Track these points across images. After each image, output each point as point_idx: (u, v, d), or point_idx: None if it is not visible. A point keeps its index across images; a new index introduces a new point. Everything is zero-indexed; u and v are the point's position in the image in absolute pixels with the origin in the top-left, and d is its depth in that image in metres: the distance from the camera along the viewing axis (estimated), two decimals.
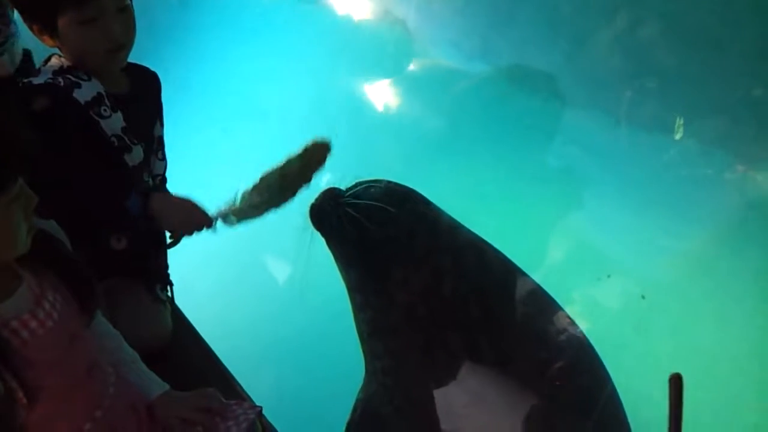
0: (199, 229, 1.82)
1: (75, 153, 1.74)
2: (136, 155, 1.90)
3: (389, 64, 3.51)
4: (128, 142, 1.88)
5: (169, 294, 2.14)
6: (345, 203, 2.05)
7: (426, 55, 3.53)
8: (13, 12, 2.42)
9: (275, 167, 1.81)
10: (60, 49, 1.83)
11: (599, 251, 2.91)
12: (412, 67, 3.50)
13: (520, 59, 3.62)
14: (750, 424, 2.44)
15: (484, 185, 3.10)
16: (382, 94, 3.50)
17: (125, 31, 1.80)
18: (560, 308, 2.09)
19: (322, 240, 2.11)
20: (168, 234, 1.98)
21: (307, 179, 1.83)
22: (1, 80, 2.30)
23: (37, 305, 1.26)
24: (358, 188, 2.09)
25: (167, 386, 1.53)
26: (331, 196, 2.07)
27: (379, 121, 3.37)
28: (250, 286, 3.06)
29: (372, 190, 2.09)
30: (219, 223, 1.82)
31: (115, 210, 1.77)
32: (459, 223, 2.13)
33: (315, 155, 1.81)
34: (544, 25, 3.61)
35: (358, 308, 2.15)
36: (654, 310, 2.65)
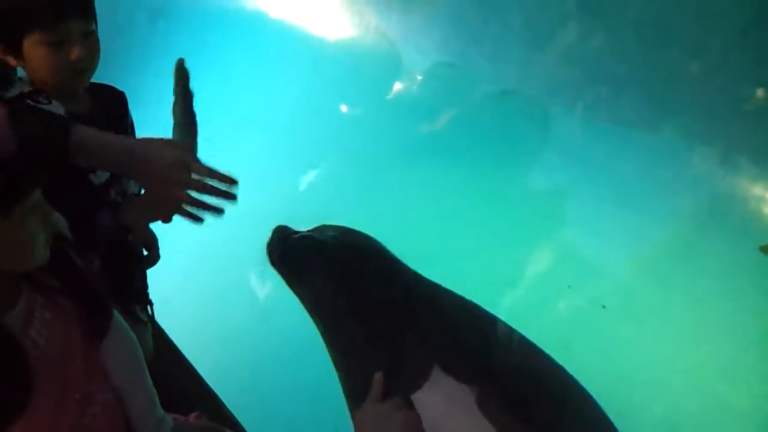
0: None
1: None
2: (101, 174, 1.86)
3: (373, 77, 3.52)
4: None
5: (150, 313, 2.11)
6: (294, 237, 2.06)
7: (404, 66, 3.54)
8: None
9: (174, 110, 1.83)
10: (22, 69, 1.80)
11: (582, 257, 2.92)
12: (395, 81, 3.51)
13: (492, 64, 3.63)
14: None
15: (466, 193, 3.10)
16: (366, 105, 3.50)
17: (90, 56, 1.79)
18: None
19: None
20: (144, 253, 1.96)
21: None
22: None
23: (28, 323, 1.24)
24: (315, 229, 2.11)
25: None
26: (281, 232, 2.08)
27: (363, 133, 3.36)
28: (232, 303, 3.03)
29: (329, 231, 2.09)
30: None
31: (85, 229, 1.72)
32: (418, 279, 2.12)
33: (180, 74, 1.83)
34: (514, 29, 3.63)
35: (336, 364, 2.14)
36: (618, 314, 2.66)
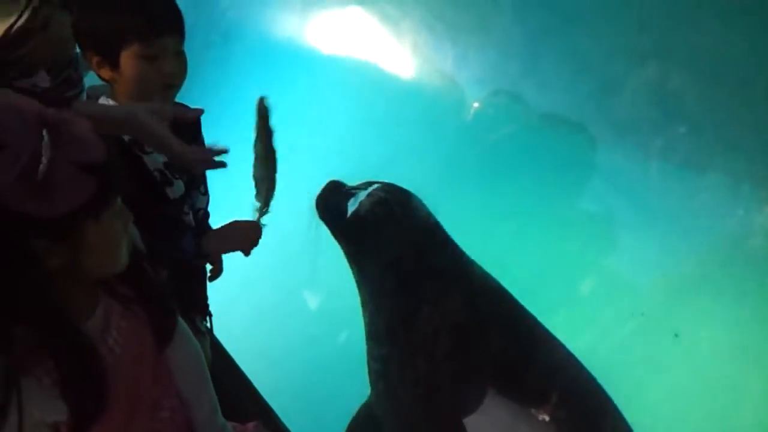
0: (258, 238, 1.95)
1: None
2: (177, 189, 1.97)
3: (426, 106, 3.58)
4: (170, 176, 1.96)
5: (208, 325, 2.19)
6: (348, 191, 2.16)
7: (453, 95, 3.59)
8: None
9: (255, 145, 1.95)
10: (112, 84, 1.91)
11: (632, 289, 2.92)
12: (449, 110, 3.56)
13: (548, 101, 3.66)
14: None
15: (515, 224, 3.12)
16: (415, 132, 3.55)
17: (180, 73, 1.90)
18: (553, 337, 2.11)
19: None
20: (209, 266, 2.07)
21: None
22: None
23: (106, 331, 1.30)
24: (361, 184, 2.19)
25: None
26: (334, 186, 2.18)
27: (408, 158, 3.41)
28: (285, 316, 3.09)
29: (375, 186, 2.18)
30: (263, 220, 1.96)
31: (168, 249, 1.86)
32: (455, 243, 2.18)
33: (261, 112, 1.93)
34: (571, 69, 3.66)
35: (362, 306, 2.22)
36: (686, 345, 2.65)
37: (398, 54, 3.87)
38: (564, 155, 3.42)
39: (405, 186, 2.25)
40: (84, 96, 2.45)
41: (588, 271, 3.00)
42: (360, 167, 3.46)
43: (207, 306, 2.18)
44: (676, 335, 2.63)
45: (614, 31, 3.38)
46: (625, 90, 3.42)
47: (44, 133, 1.13)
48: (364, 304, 2.18)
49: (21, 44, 1.94)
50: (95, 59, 1.86)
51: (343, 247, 2.18)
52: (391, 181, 2.21)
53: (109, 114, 1.71)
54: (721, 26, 3.14)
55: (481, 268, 2.15)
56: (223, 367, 2.19)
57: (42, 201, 1.12)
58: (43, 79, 2.15)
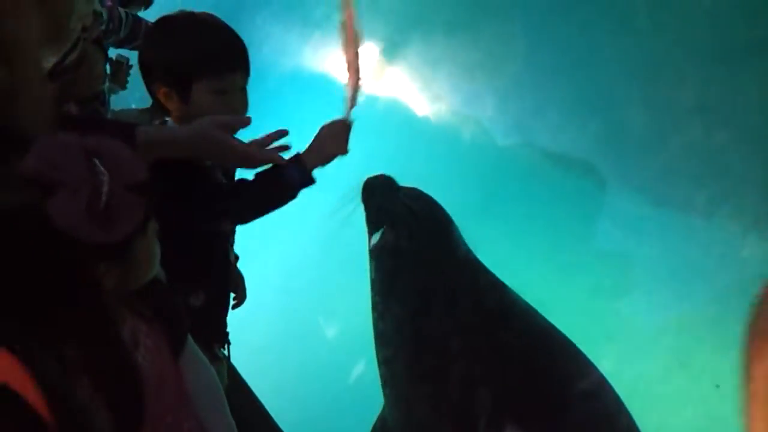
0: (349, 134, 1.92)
1: (191, 204, 1.88)
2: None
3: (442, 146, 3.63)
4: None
5: (226, 352, 2.21)
6: (402, 191, 2.19)
7: (466, 133, 3.64)
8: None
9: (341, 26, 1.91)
10: (172, 113, 1.95)
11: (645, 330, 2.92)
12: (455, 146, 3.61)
13: (555, 139, 3.70)
14: None
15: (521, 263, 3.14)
16: (425, 169, 3.59)
17: (244, 108, 1.96)
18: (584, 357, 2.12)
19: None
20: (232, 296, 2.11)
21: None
22: None
23: (136, 349, 1.32)
24: (410, 191, 2.23)
25: None
26: (390, 180, 2.22)
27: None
28: (300, 343, 3.10)
29: (424, 196, 2.22)
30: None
31: (211, 265, 1.94)
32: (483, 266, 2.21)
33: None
34: (578, 109, 3.71)
35: (372, 307, 2.23)
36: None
37: (411, 91, 3.92)
38: (574, 197, 3.45)
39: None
40: None
41: (600, 313, 3.01)
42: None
43: (227, 333, 2.21)
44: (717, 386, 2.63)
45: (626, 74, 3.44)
46: (640, 135, 3.48)
47: (95, 161, 1.18)
48: (374, 305, 2.21)
49: (55, 80, 2.01)
50: (163, 90, 1.90)
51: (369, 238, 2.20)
52: None
53: (179, 136, 1.75)
54: (728, 74, 3.21)
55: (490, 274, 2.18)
56: (240, 396, 2.20)
57: (106, 230, 1.16)
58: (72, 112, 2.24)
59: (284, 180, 1.87)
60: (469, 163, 3.65)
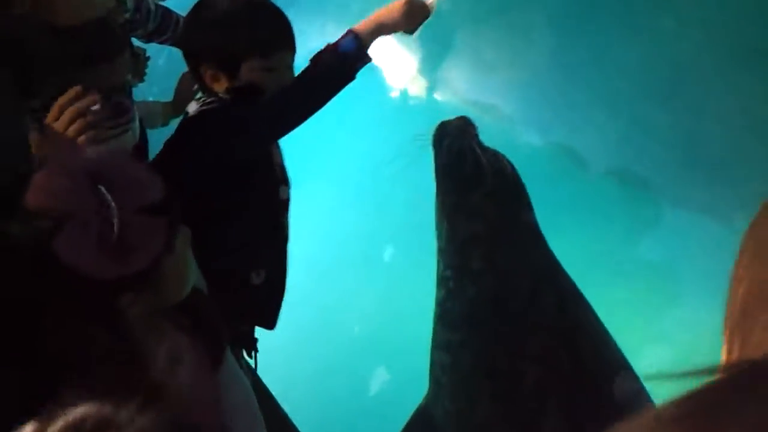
0: (426, 17, 1.89)
1: (250, 181, 1.89)
2: (285, 191, 2.04)
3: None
4: (285, 175, 2.03)
5: (253, 361, 2.15)
6: (477, 140, 2.06)
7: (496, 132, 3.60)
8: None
9: None
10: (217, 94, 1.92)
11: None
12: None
13: (578, 138, 3.66)
14: None
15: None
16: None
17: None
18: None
19: None
20: None
21: None
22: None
23: (174, 365, 1.24)
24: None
25: None
26: (468, 124, 2.08)
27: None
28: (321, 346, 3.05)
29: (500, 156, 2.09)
30: None
31: (274, 237, 1.91)
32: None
33: None
34: (601, 107, 3.67)
35: (438, 282, 2.11)
36: None
37: (431, 86, 3.86)
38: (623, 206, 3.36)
39: None
40: (136, 123, 2.46)
41: (648, 321, 2.97)
42: (399, 202, 3.49)
43: (255, 341, 2.15)
44: None
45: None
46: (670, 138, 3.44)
47: (101, 189, 1.08)
48: (442, 280, 2.09)
49: None
50: (210, 72, 1.90)
51: (441, 193, 2.09)
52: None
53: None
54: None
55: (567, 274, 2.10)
56: (263, 403, 2.14)
57: (123, 262, 1.08)
58: None
59: (332, 55, 1.83)
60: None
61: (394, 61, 3.78)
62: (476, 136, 2.08)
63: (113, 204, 1.06)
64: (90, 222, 1.06)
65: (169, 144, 1.94)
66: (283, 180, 2.01)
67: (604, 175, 3.54)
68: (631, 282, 3.17)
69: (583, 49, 3.56)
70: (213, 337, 1.38)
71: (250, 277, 1.95)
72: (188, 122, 1.90)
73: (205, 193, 1.82)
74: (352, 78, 1.85)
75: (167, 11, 2.68)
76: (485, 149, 2.07)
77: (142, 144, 2.59)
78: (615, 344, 2.07)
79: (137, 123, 2.46)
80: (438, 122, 2.12)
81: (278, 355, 2.76)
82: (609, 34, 3.50)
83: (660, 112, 3.43)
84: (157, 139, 2.61)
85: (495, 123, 3.58)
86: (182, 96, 2.72)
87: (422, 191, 3.52)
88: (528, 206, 2.07)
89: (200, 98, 1.95)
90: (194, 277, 1.25)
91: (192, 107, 1.93)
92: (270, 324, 2.12)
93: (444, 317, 2.09)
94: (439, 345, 2.11)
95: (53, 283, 1.06)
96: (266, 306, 2.08)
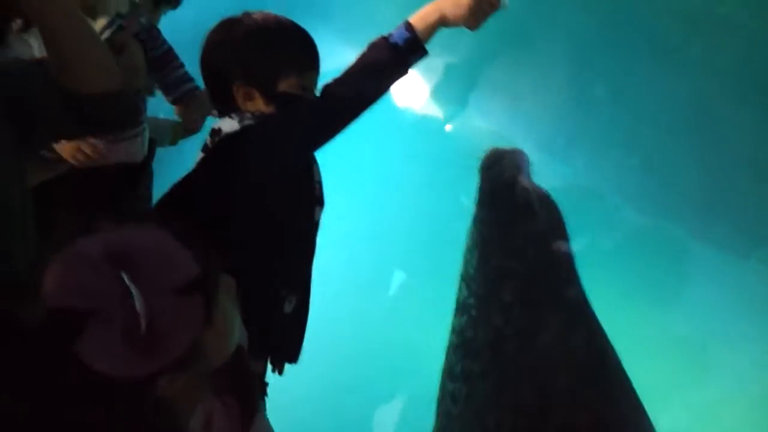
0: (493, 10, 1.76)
1: (293, 199, 1.80)
2: (319, 213, 1.91)
3: None
4: (322, 194, 1.91)
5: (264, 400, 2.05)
6: (530, 177, 1.97)
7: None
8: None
9: None
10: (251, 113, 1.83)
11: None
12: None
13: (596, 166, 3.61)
14: None
15: None
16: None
17: None
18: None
19: None
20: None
21: None
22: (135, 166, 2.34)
23: (207, 429, 1.16)
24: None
25: None
26: (523, 158, 1.98)
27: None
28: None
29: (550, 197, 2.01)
30: None
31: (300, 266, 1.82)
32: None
33: None
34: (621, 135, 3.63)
35: (459, 308, 2.01)
36: None
37: (445, 113, 3.80)
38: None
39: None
40: (146, 131, 2.38)
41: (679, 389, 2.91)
42: (411, 223, 3.42)
43: (266, 385, 1.96)
44: None
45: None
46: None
47: (123, 275, 0.95)
48: (464, 307, 1.98)
49: None
50: (243, 91, 1.82)
51: (479, 221, 1.99)
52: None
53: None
54: None
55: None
56: None
57: (155, 355, 0.96)
58: None
59: (381, 47, 1.72)
60: None
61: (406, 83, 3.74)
62: (529, 172, 2.00)
63: (139, 292, 0.94)
64: (114, 317, 0.94)
65: (206, 166, 1.79)
66: (319, 200, 1.90)
67: (622, 208, 3.48)
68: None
69: (603, 82, 3.51)
70: (248, 392, 1.28)
71: (283, 305, 1.83)
72: (231, 139, 1.75)
73: (246, 215, 1.71)
74: (404, 71, 1.74)
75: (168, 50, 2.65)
76: (536, 187, 1.98)
77: (149, 159, 2.53)
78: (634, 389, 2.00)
79: (147, 133, 2.40)
80: (491, 149, 2.02)
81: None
82: (631, 69, 3.43)
83: (681, 148, 3.38)
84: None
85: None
86: (195, 117, 2.67)
87: (435, 215, 3.53)
88: (568, 243, 1.99)
89: (233, 117, 1.81)
90: (238, 335, 1.12)
91: (227, 125, 1.79)
92: (294, 357, 1.97)
93: (463, 345, 1.99)
94: (453, 374, 2.01)
95: (77, 387, 0.95)
96: (293, 337, 1.94)
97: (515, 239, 1.94)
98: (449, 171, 3.58)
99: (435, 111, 3.80)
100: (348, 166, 3.50)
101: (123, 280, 0.94)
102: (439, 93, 3.79)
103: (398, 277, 3.48)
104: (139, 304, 0.93)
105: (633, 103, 3.51)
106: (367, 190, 3.64)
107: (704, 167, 3.43)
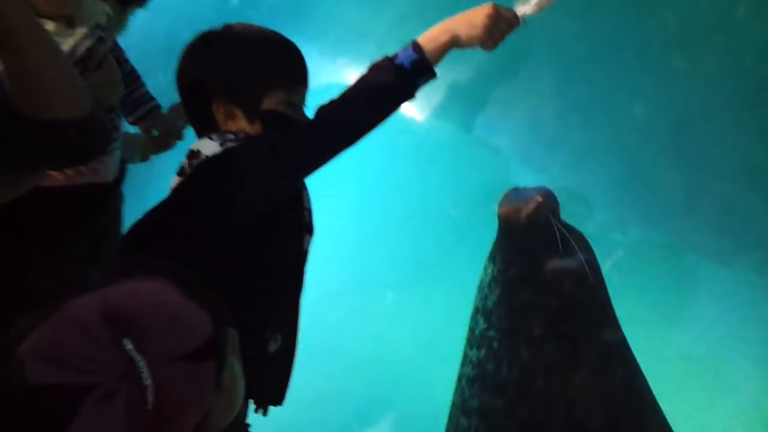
0: (508, 31, 1.61)
1: (280, 227, 1.64)
2: (308, 241, 1.76)
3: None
4: (311, 221, 1.76)
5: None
6: (559, 219, 1.94)
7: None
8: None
9: None
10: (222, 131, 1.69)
11: None
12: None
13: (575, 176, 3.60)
14: None
15: None
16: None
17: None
18: None
19: None
20: None
21: None
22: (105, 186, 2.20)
23: None
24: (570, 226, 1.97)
25: None
26: (551, 199, 1.94)
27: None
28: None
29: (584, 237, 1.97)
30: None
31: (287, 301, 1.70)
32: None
33: None
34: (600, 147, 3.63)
35: (475, 341, 1.94)
36: None
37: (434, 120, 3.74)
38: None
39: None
40: (118, 149, 2.25)
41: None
42: (406, 237, 3.31)
43: (247, 426, 1.81)
44: None
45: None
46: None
47: (126, 342, 0.80)
48: (482, 339, 1.92)
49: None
50: (224, 109, 1.67)
51: (502, 261, 1.95)
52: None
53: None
54: None
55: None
56: None
57: (168, 427, 0.81)
58: None
59: (385, 68, 1.54)
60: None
61: None
62: (558, 212, 1.94)
63: (142, 360, 0.80)
64: (115, 393, 0.79)
65: (184, 192, 1.62)
66: (308, 228, 1.74)
67: (606, 217, 3.44)
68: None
69: (587, 90, 3.47)
70: None
71: (267, 345, 1.66)
72: (212, 163, 1.58)
73: (227, 247, 1.55)
74: (409, 95, 1.56)
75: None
76: (568, 227, 1.91)
77: (120, 179, 2.38)
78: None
79: (119, 152, 2.26)
80: (509, 188, 1.96)
81: None
82: (616, 77, 3.40)
83: (664, 157, 3.37)
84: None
85: (493, 160, 3.48)
86: (167, 133, 2.52)
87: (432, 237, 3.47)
88: (603, 281, 1.95)
89: (214, 138, 1.64)
90: (242, 392, 0.98)
91: (207, 147, 1.62)
92: (279, 399, 1.81)
93: (482, 379, 1.91)
94: (469, 409, 1.93)
95: None
96: (278, 378, 1.78)
97: (551, 275, 1.88)
98: (429, 174, 3.51)
99: (417, 116, 3.74)
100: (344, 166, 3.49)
101: (125, 348, 0.80)
102: (421, 100, 3.74)
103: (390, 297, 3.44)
104: (145, 375, 0.79)
105: (616, 110, 3.49)
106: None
107: (687, 174, 3.44)
